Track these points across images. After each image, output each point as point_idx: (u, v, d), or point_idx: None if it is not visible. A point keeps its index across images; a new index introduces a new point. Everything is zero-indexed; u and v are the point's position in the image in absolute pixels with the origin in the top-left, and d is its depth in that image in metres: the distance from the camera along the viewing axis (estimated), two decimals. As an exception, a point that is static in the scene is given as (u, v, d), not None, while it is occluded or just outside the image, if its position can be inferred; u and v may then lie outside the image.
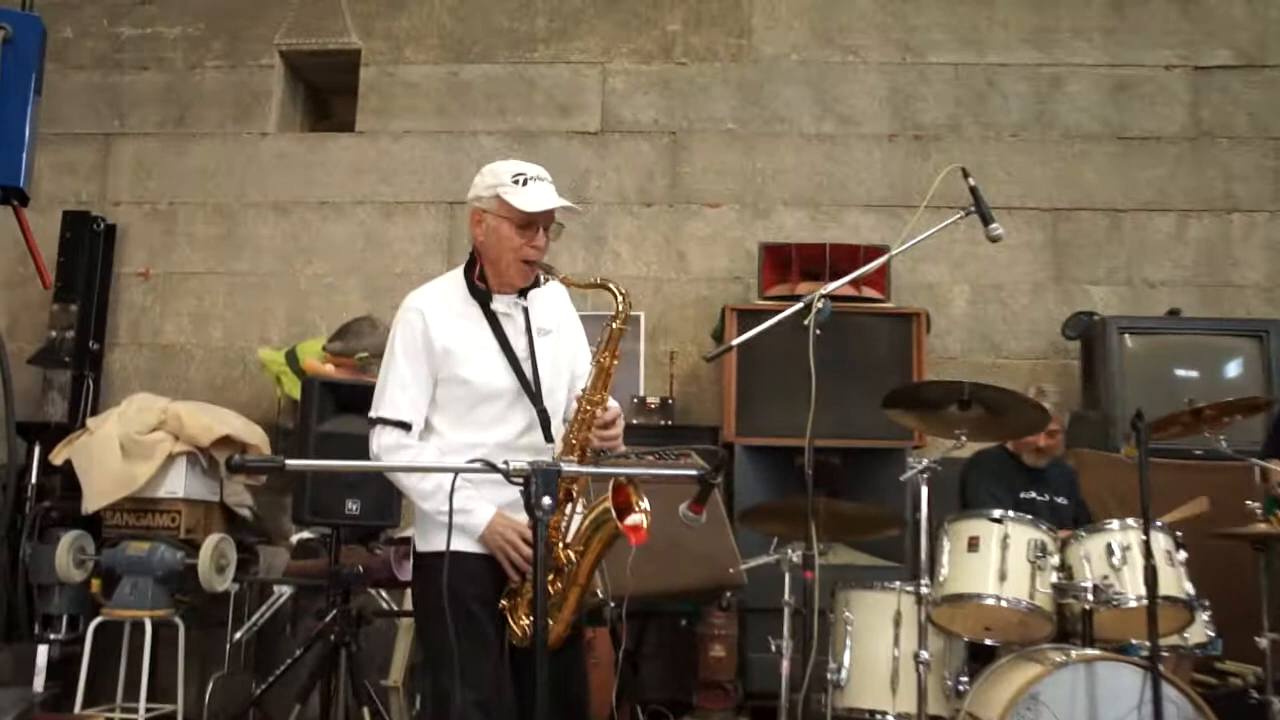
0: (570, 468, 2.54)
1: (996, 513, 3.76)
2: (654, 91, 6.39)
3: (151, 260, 6.43)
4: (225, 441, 5.26)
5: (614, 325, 2.91)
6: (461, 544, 2.86)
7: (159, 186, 6.51)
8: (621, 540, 2.76)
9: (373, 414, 2.96)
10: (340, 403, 4.96)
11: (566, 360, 3.09)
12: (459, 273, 3.06)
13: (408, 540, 4.92)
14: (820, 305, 3.10)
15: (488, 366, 2.95)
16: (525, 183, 2.95)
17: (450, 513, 2.62)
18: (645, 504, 2.74)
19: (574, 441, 2.89)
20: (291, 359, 5.79)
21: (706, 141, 6.31)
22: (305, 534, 5.44)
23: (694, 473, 2.68)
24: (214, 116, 6.56)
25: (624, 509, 2.74)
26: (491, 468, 2.30)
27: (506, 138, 6.32)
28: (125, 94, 6.64)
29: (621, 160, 6.32)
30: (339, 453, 4.51)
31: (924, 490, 3.64)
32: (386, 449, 2.92)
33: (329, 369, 5.59)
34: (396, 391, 2.93)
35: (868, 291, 5.35)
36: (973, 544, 3.70)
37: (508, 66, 6.46)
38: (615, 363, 2.92)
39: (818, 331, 3.09)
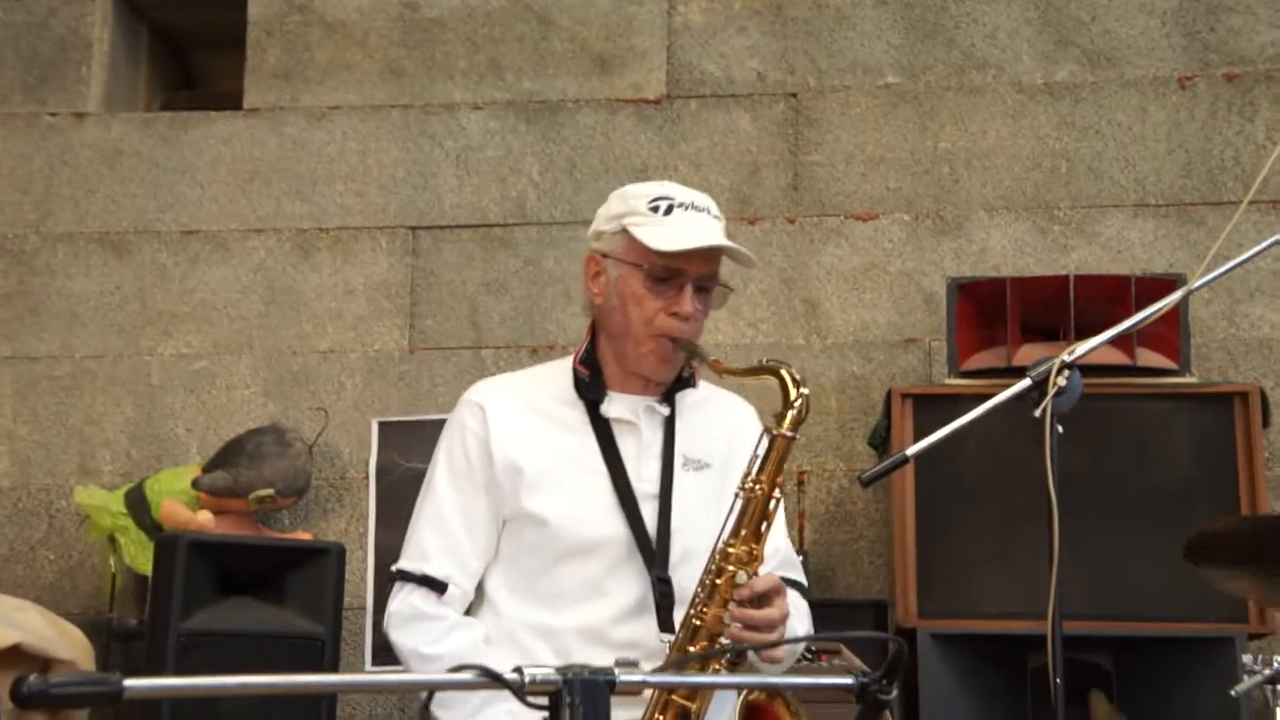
0: (632, 676, 2.41)
1: None
2: (756, 25, 6.49)
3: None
4: (12, 656, 5.23)
5: (777, 431, 3.13)
6: None
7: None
8: None
9: (395, 566, 3.28)
10: (224, 577, 5.08)
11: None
12: (567, 361, 3.37)
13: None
14: (1063, 383, 3.12)
15: (582, 500, 3.21)
16: (669, 210, 3.23)
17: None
18: None
19: (695, 623, 3.06)
20: (137, 504, 5.86)
21: (851, 108, 6.40)
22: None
23: (848, 682, 2.59)
24: (-8, 86, 6.79)
25: None
26: (494, 678, 2.21)
27: (507, 112, 6.42)
28: None
29: (704, 145, 6.42)
30: (222, 665, 4.58)
31: (1278, 714, 3.60)
32: (398, 621, 3.21)
33: (203, 518, 5.68)
34: (427, 533, 3.26)
35: (1148, 358, 5.38)
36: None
37: (503, -10, 6.65)
38: (777, 495, 3.13)
39: (1059, 429, 3.10)
